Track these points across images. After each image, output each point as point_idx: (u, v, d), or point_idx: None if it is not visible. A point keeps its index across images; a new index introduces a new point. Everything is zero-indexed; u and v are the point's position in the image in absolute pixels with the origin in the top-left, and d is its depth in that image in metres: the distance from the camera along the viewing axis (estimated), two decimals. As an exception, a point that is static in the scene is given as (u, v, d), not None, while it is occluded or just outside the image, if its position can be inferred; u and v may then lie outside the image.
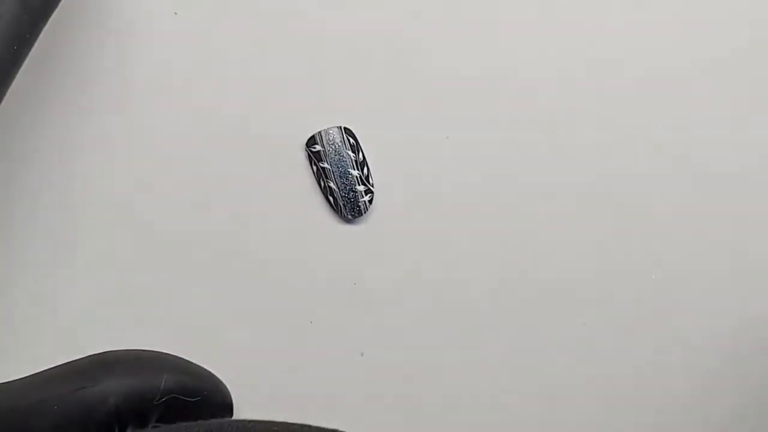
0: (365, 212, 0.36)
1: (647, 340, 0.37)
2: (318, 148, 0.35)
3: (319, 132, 0.35)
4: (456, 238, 0.36)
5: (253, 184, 0.36)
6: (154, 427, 0.29)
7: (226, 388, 0.32)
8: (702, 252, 0.37)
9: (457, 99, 0.37)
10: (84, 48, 0.35)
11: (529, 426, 0.36)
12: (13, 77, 0.29)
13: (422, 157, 0.36)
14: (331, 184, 0.35)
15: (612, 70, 0.37)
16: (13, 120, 0.34)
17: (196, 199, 0.35)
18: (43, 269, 0.34)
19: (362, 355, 0.35)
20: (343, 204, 0.35)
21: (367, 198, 0.36)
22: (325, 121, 0.36)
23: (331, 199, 0.35)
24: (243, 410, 0.33)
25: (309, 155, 0.36)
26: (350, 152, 0.35)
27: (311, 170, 0.36)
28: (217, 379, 0.32)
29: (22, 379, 0.30)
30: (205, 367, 0.32)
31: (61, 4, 0.31)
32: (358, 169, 0.36)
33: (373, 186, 0.36)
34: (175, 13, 0.36)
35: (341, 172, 0.35)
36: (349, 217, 0.36)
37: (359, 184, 0.35)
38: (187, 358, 0.32)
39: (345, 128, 0.36)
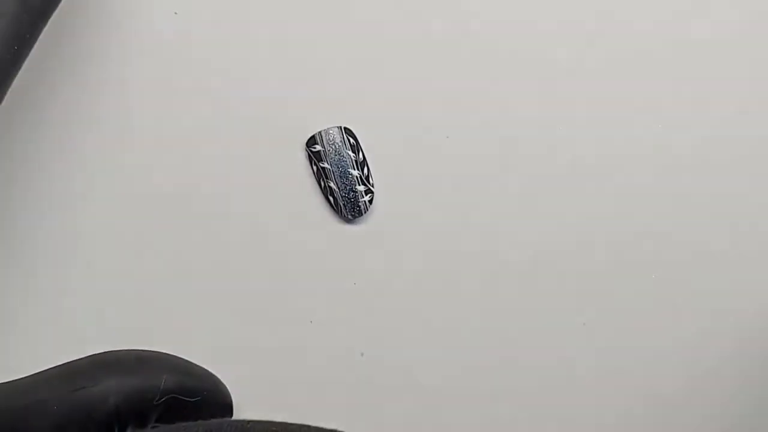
0: (365, 212, 0.36)
1: (647, 340, 0.37)
2: (318, 148, 0.35)
3: (319, 132, 0.35)
4: (456, 238, 0.36)
5: (253, 184, 0.36)
6: (154, 427, 0.29)
7: (226, 388, 0.32)
8: (702, 252, 0.37)
9: (457, 99, 0.37)
10: (84, 48, 0.35)
11: (529, 426, 0.36)
12: (13, 77, 0.29)
13: (422, 157, 0.36)
14: (331, 184, 0.35)
15: (612, 70, 0.37)
16: (13, 120, 0.34)
17: (196, 198, 0.35)
18: (44, 269, 0.34)
19: (362, 355, 0.35)
20: (343, 204, 0.35)
21: (367, 198, 0.36)
22: (325, 121, 0.36)
23: (331, 199, 0.35)
24: (243, 410, 0.33)
25: (309, 155, 0.36)
26: (350, 152, 0.35)
27: (311, 170, 0.36)
28: (217, 379, 0.32)
29: (22, 379, 0.30)
30: (205, 367, 0.32)
31: (61, 4, 0.31)
32: (358, 169, 0.36)
33: (373, 186, 0.36)
34: (175, 13, 0.36)
35: (341, 172, 0.35)
36: (349, 217, 0.36)
37: (359, 184, 0.35)
38: (187, 358, 0.32)
39: (345, 128, 0.36)
